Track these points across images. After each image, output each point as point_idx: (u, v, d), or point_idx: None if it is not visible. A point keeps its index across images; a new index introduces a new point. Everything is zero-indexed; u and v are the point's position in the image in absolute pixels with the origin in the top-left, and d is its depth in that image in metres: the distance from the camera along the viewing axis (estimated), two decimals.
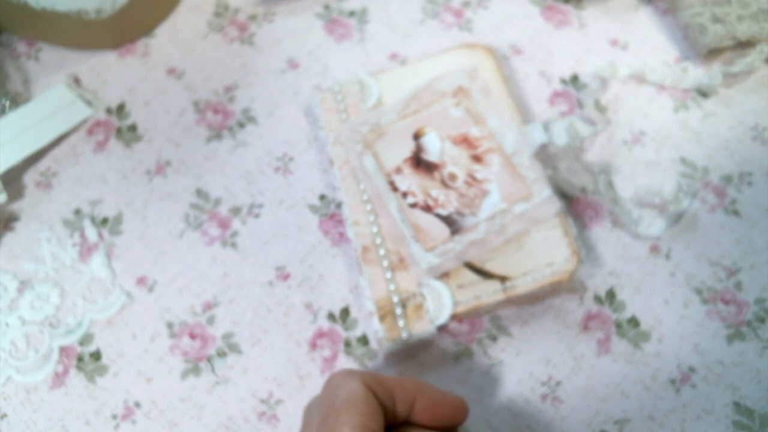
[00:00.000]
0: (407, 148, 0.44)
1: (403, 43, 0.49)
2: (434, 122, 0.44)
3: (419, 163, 0.44)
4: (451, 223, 0.42)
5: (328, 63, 0.49)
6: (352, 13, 0.50)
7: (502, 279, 0.40)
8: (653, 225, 0.43)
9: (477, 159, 0.43)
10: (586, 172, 0.44)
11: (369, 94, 0.46)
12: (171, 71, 0.49)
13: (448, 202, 0.42)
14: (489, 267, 0.41)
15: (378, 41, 0.49)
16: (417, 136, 0.44)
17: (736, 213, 0.44)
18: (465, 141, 0.44)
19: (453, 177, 0.42)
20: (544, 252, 0.41)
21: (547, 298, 0.42)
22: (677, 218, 0.43)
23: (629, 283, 0.42)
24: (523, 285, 0.40)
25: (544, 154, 0.45)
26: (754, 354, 0.40)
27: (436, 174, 0.43)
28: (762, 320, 0.41)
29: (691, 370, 0.40)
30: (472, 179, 0.42)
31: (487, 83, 0.45)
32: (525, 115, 0.47)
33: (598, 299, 0.42)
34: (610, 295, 0.42)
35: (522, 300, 0.41)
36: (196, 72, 0.49)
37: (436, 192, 0.42)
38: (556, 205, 0.42)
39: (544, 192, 0.42)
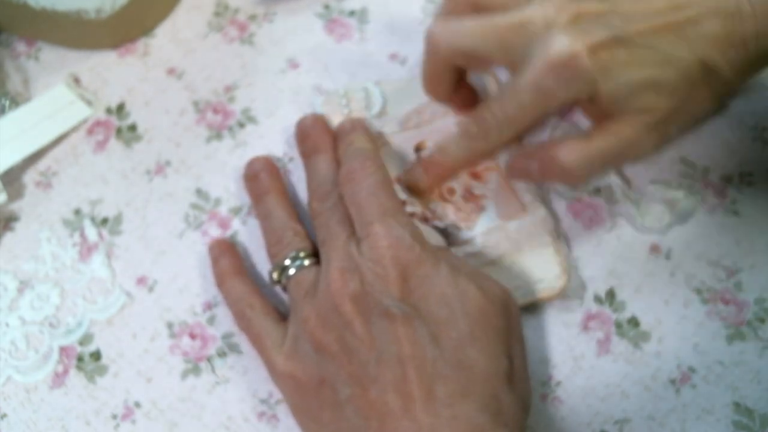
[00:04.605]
0: (408, 160, 0.44)
1: (403, 43, 0.49)
2: (435, 138, 0.44)
3: None
4: (448, 236, 0.42)
5: (328, 63, 0.49)
6: (352, 13, 0.50)
7: None
8: (659, 219, 0.42)
9: (476, 176, 0.43)
10: None
11: (373, 102, 0.46)
12: (171, 71, 0.49)
13: (445, 215, 0.42)
14: None
15: (378, 41, 0.49)
16: (418, 149, 0.44)
17: (736, 213, 0.44)
18: None
19: (451, 191, 0.43)
20: (535, 268, 0.41)
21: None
22: (685, 217, 0.43)
23: (629, 283, 0.42)
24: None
25: None
26: (754, 354, 0.40)
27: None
28: (762, 320, 0.41)
29: (691, 370, 0.40)
30: (469, 194, 0.43)
31: None
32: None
33: (598, 299, 0.42)
34: (610, 295, 0.42)
35: None
36: (196, 72, 0.49)
37: (434, 204, 0.42)
38: (550, 224, 0.42)
39: (538, 212, 0.42)
